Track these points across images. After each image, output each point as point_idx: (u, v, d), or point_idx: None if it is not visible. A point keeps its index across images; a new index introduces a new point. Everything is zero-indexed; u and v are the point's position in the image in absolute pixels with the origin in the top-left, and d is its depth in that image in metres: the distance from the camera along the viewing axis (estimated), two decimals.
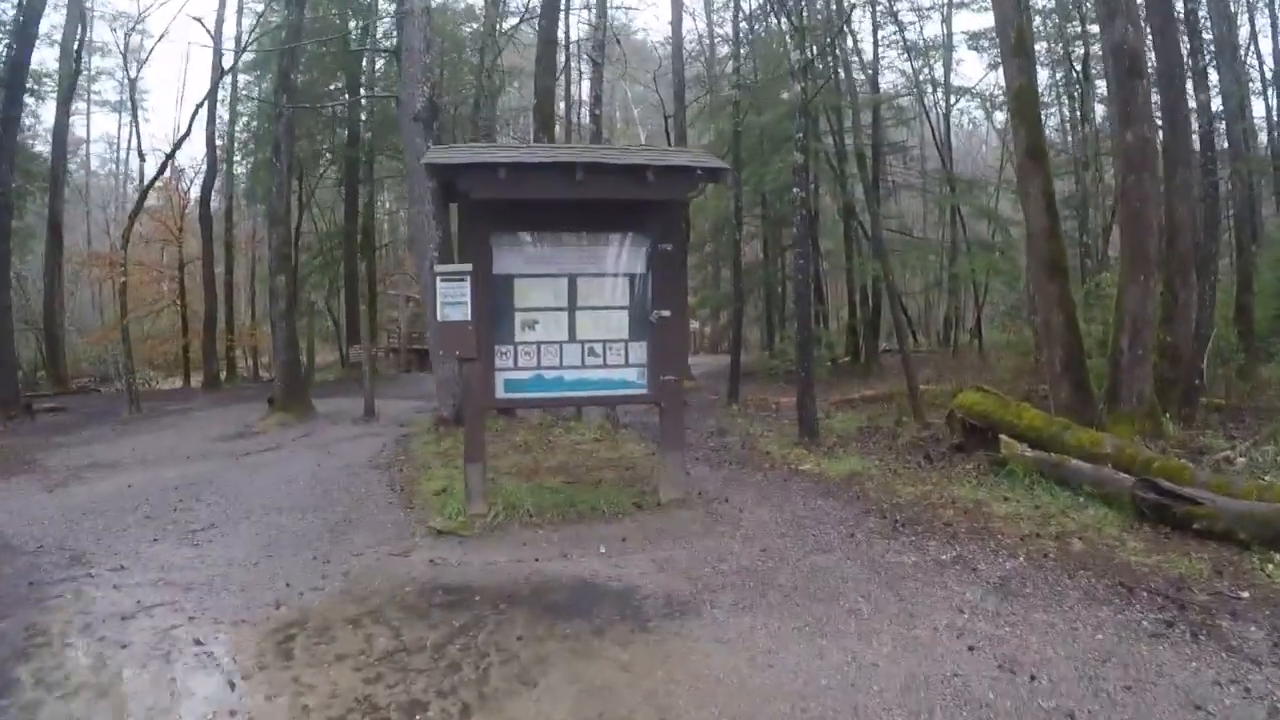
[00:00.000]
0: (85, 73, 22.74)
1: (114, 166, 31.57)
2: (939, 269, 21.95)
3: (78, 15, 18.61)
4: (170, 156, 15.10)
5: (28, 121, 18.81)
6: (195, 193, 20.91)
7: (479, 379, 5.36)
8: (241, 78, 20.97)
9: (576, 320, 5.58)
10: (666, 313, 5.60)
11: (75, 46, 18.64)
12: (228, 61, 18.07)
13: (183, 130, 14.71)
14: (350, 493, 6.92)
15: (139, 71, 20.70)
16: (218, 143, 20.20)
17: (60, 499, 7.04)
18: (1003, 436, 6.69)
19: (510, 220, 5.41)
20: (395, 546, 5.13)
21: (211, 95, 17.47)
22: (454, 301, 5.29)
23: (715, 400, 13.13)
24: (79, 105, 24.62)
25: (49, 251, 19.07)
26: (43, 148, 19.48)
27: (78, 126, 27.05)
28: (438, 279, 5.31)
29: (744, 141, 14.50)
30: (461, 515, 5.39)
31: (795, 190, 9.56)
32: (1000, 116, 21.32)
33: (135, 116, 17.90)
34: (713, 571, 4.43)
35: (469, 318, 5.30)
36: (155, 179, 15.45)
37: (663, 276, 5.65)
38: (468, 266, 5.31)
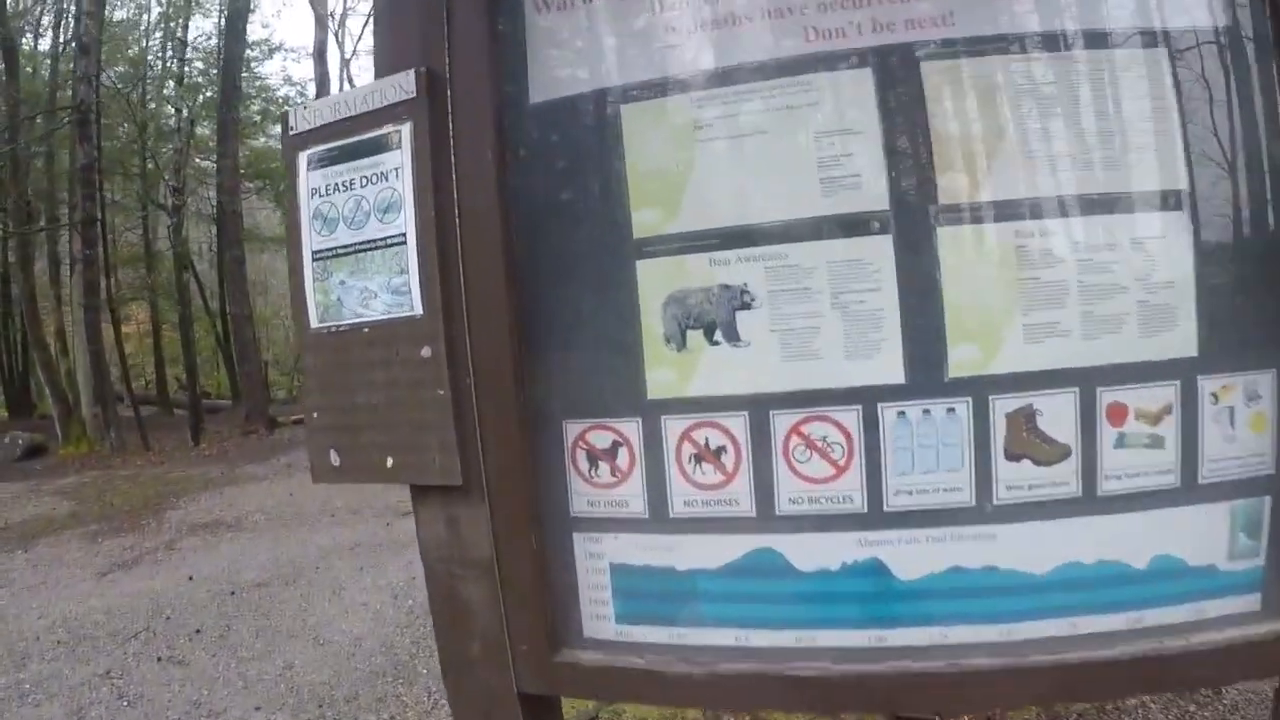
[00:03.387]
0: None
1: None
2: None
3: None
4: None
5: None
6: None
7: (487, 592, 1.20)
8: None
9: (944, 294, 1.11)
10: None
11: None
12: None
13: None
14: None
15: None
16: None
17: (85, 600, 5.12)
18: None
19: None
20: None
21: None
22: (346, 248, 1.21)
23: None
24: None
25: None
26: None
27: None
28: (299, 158, 1.24)
29: None
30: None
31: None
32: None
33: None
34: None
35: (418, 308, 1.16)
36: None
37: None
38: (407, 84, 1.16)
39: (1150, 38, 1.10)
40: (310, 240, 1.25)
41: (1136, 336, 1.11)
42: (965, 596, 1.15)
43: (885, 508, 1.15)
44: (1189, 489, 1.13)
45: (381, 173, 1.18)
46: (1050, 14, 1.10)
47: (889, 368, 1.11)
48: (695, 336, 1.14)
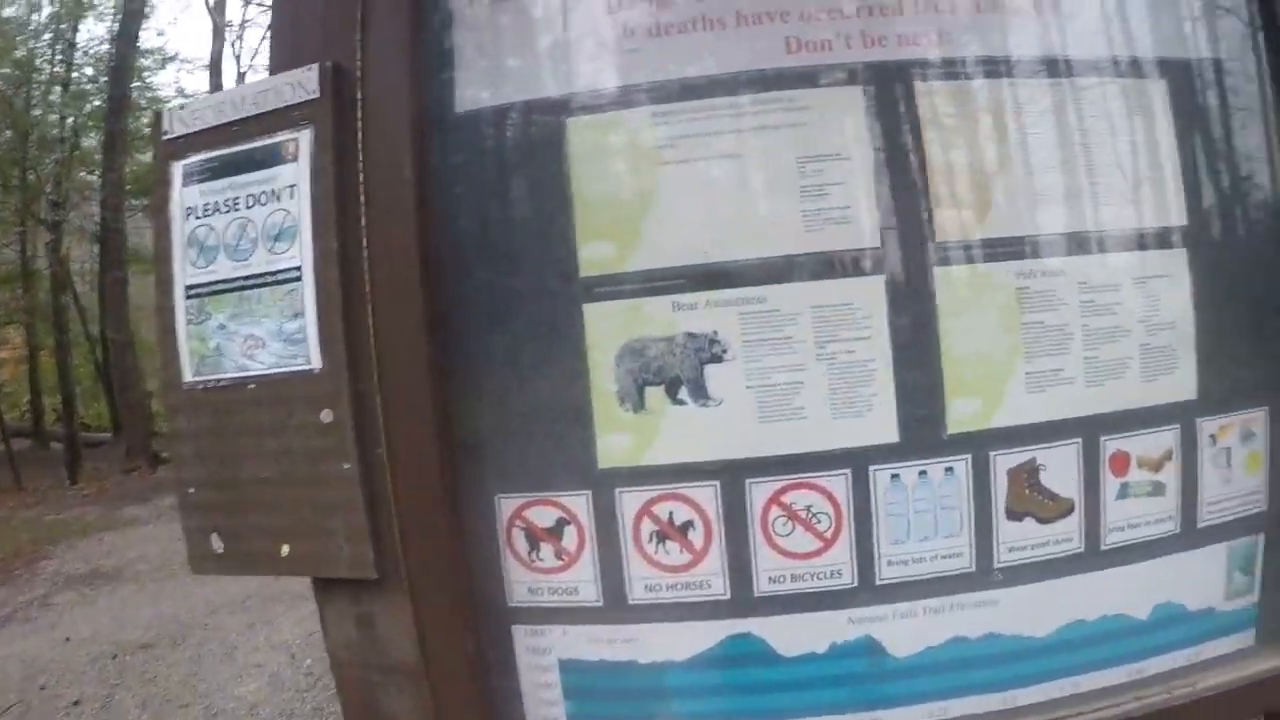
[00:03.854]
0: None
1: None
2: None
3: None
4: None
5: None
6: None
7: (412, 702, 0.98)
8: None
9: (941, 341, 0.97)
10: None
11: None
12: None
13: None
14: None
15: None
16: None
17: None
18: None
19: None
20: None
21: None
22: (228, 284, 0.98)
23: None
24: None
25: None
26: None
27: None
28: (173, 169, 1.01)
29: None
30: None
31: None
32: None
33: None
34: None
35: (316, 361, 0.94)
36: None
37: None
38: (308, 81, 0.94)
39: (1151, 68, 1.05)
40: (184, 272, 1.01)
41: (1139, 381, 1.04)
42: (966, 668, 1.05)
43: (878, 580, 1.01)
44: (1188, 534, 1.08)
45: (273, 190, 0.96)
46: (1050, 39, 1.01)
47: (881, 426, 0.97)
48: (655, 395, 0.96)
